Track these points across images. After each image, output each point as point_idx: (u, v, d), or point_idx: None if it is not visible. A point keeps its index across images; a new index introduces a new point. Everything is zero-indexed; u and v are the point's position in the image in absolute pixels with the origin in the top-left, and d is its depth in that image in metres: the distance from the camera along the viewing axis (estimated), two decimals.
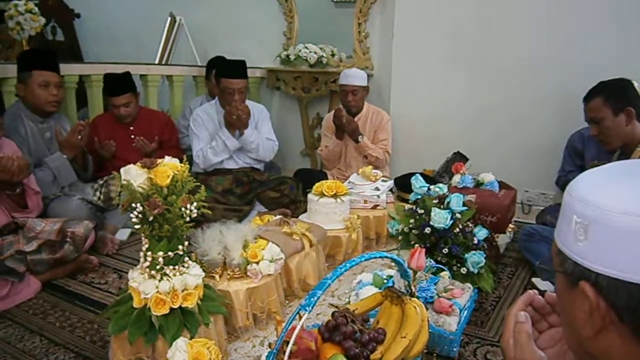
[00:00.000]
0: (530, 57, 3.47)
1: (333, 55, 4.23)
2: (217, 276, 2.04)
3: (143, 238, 1.73)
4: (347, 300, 2.05)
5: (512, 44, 3.51)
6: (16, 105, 2.85)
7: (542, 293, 0.88)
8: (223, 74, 3.29)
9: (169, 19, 4.84)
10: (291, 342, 1.21)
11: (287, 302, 2.28)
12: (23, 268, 2.34)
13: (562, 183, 3.18)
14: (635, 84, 2.83)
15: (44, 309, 2.27)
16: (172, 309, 1.70)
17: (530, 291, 0.88)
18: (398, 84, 4.00)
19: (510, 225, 2.90)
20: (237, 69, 3.29)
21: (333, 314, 1.46)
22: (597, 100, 2.39)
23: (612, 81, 2.45)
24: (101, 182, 3.07)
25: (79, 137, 2.87)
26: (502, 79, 3.60)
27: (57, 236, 2.45)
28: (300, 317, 1.22)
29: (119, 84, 3.28)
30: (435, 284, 1.94)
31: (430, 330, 1.54)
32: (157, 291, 1.68)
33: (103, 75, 3.37)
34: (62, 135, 2.87)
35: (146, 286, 1.68)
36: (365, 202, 2.98)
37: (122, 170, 1.68)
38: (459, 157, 3.49)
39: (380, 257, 1.37)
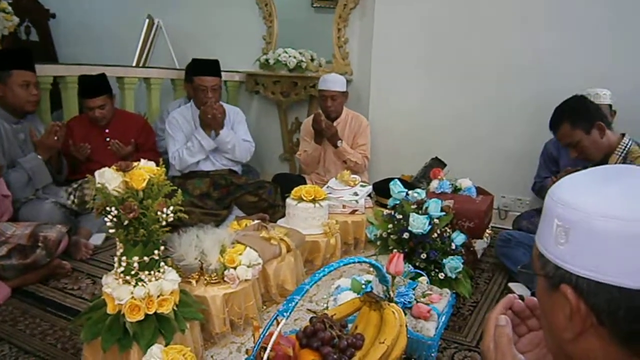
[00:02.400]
0: (508, 65, 3.51)
1: (312, 60, 4.23)
2: (193, 281, 2.01)
3: (118, 243, 1.69)
4: (325, 305, 2.04)
5: (490, 51, 3.55)
6: None
7: (520, 298, 0.88)
8: (196, 72, 3.30)
9: (147, 21, 4.78)
10: (269, 348, 1.20)
11: (264, 307, 2.26)
12: None
13: (537, 189, 3.23)
14: (608, 93, 2.89)
15: (14, 315, 2.21)
16: (147, 315, 1.67)
17: (510, 295, 0.89)
18: (377, 89, 4.01)
19: (488, 231, 2.93)
20: (210, 67, 3.30)
21: (311, 320, 1.45)
22: (564, 127, 2.40)
23: (568, 104, 2.45)
24: (75, 185, 3.01)
25: (55, 138, 2.81)
26: (480, 85, 3.64)
27: (29, 240, 2.40)
28: (278, 323, 1.20)
29: (94, 86, 3.22)
30: (413, 289, 1.94)
31: (408, 336, 1.54)
32: (132, 297, 1.65)
33: (78, 76, 3.31)
34: (37, 136, 2.82)
35: (120, 292, 1.65)
36: (344, 207, 2.98)
37: (96, 173, 1.65)
38: (437, 163, 3.51)
39: (359, 262, 1.37)
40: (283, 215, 2.92)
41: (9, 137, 2.78)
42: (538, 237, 0.73)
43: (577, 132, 2.36)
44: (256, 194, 3.27)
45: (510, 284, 2.58)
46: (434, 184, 2.87)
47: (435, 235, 2.17)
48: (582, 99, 2.46)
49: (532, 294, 0.84)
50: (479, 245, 2.81)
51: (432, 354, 1.80)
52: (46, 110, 3.40)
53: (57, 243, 2.53)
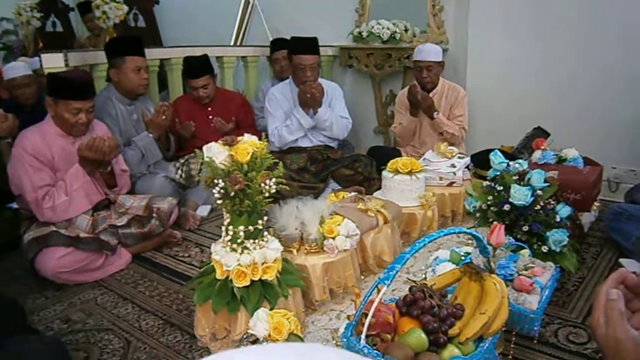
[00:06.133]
0: (620, 25, 3.24)
1: (406, 30, 4.14)
2: (294, 250, 2.09)
3: (224, 213, 1.80)
4: (423, 276, 2.05)
5: (599, 9, 3.29)
6: (107, 89, 3.03)
7: (633, 274, 0.84)
8: (295, 50, 3.32)
9: (243, 0, 4.92)
10: (370, 314, 1.24)
11: (362, 277, 2.31)
12: (115, 241, 2.51)
13: None
14: None
15: (135, 279, 2.44)
16: (252, 281, 1.77)
17: (622, 269, 0.85)
18: (474, 58, 3.87)
19: (596, 204, 2.77)
20: (309, 45, 3.31)
21: (411, 289, 1.47)
22: None
23: None
24: (182, 160, 3.21)
25: (164, 117, 3.01)
26: (587, 48, 3.39)
27: (145, 211, 2.61)
28: (379, 291, 1.24)
29: (198, 67, 3.39)
30: (514, 261, 1.89)
31: (510, 308, 1.51)
32: (239, 264, 1.75)
33: (183, 58, 3.50)
34: (148, 116, 3.03)
35: (228, 259, 1.76)
36: (441, 179, 2.94)
37: (204, 147, 1.75)
38: (540, 133, 3.33)
39: (460, 232, 1.36)
40: (378, 188, 2.94)
41: (124, 118, 3.02)
42: None
43: None
44: (352, 167, 3.30)
45: (622, 260, 2.43)
46: (537, 154, 2.74)
47: (538, 207, 2.09)
48: None
49: None
50: (586, 218, 2.67)
51: (535, 328, 1.75)
52: (154, 91, 3.64)
53: (169, 214, 2.73)
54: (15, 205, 2.67)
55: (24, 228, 2.44)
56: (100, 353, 1.85)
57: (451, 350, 1.36)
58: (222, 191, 1.71)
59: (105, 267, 2.45)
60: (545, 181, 2.15)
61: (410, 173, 2.69)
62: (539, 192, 2.11)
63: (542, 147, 2.77)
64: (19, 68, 3.42)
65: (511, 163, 2.29)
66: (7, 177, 2.41)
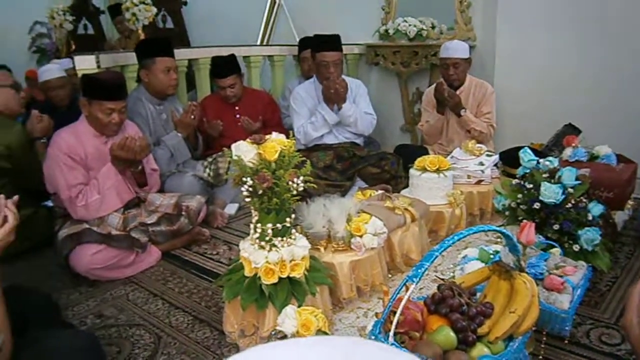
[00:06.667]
0: None
1: (433, 27, 4.10)
2: (322, 248, 2.10)
3: (253, 210, 1.81)
4: (451, 274, 2.03)
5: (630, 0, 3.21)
6: (137, 89, 3.09)
7: None
8: (317, 48, 3.33)
9: (269, 0, 4.95)
10: (398, 312, 1.23)
11: (390, 276, 2.30)
12: (145, 239, 2.55)
13: None
14: None
15: (164, 275, 2.48)
16: (280, 278, 1.78)
17: None
18: (503, 53, 3.81)
19: (630, 202, 2.70)
20: (331, 42, 3.31)
21: (439, 287, 1.46)
22: None
23: None
24: (210, 159, 3.24)
25: (192, 117, 3.05)
26: (620, 41, 3.30)
27: (174, 210, 2.65)
28: (407, 288, 1.24)
29: (225, 66, 3.43)
30: (545, 260, 1.86)
31: (540, 307, 1.49)
32: (267, 261, 1.76)
33: (210, 58, 3.54)
34: (177, 116, 3.08)
35: (256, 256, 1.78)
36: (469, 177, 2.91)
37: (233, 146, 1.77)
38: (571, 130, 3.26)
39: (489, 230, 1.35)
40: (405, 187, 2.93)
41: (154, 118, 3.08)
42: None
43: None
44: (378, 165, 3.29)
45: None
46: (568, 151, 2.69)
47: (569, 205, 2.05)
48: None
49: None
50: (620, 217, 2.60)
51: (566, 328, 1.72)
52: (183, 91, 3.70)
53: (198, 212, 2.77)
54: (50, 204, 2.74)
55: (58, 225, 2.51)
56: (132, 348, 1.89)
57: (480, 349, 1.35)
58: (250, 189, 1.73)
59: (136, 264, 2.50)
60: (576, 179, 2.11)
61: (438, 171, 2.68)
62: (570, 190, 2.08)
63: (573, 144, 2.71)
64: (52, 70, 3.52)
65: (541, 160, 2.26)
66: (43, 176, 2.48)
